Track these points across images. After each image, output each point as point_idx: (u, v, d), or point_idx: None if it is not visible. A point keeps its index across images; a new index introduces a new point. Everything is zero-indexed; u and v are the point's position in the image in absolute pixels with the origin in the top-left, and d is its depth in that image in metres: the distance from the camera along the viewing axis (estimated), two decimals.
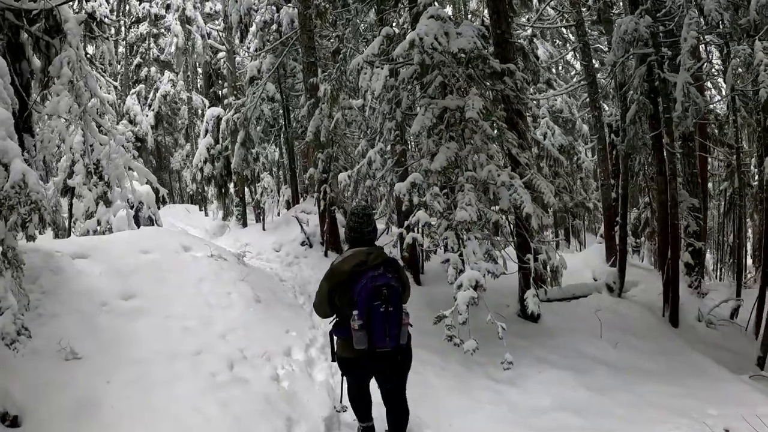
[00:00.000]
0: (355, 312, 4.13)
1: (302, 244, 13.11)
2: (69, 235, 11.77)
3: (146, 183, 13.03)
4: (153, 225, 12.26)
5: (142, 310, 6.83)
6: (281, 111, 16.39)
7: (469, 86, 7.39)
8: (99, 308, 6.67)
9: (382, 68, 6.87)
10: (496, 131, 7.54)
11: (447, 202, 6.93)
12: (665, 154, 11.88)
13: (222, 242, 15.66)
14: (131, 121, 33.21)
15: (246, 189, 17.91)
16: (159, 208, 32.27)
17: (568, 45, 22.03)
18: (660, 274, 17.49)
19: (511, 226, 8.22)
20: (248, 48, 16.86)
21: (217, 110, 18.31)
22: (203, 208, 24.25)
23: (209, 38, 26.02)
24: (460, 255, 6.71)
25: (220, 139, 16.89)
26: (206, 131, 18.21)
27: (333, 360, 4.68)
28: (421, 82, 7.63)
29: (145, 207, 12.29)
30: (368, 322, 4.09)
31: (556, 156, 8.51)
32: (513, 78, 8.13)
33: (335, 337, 4.56)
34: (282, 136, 16.94)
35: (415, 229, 6.88)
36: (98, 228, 11.09)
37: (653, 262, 18.58)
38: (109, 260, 7.75)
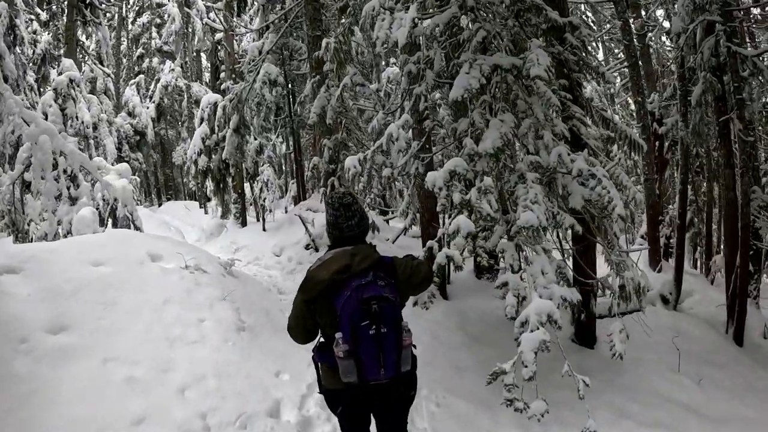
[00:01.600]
0: (338, 335, 3.15)
1: (307, 247, 11.17)
2: (30, 240, 9.89)
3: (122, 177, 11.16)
4: (130, 226, 10.35)
5: (74, 350, 5.00)
6: (286, 97, 14.51)
7: (522, 41, 5.40)
8: (16, 347, 4.84)
9: (406, 11, 4.88)
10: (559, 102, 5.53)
11: (499, 201, 4.94)
12: (735, 143, 10.14)
13: (217, 244, 13.77)
14: (130, 114, 31.51)
15: (247, 184, 15.96)
16: (159, 205, 31.05)
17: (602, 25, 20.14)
18: (706, 278, 15.71)
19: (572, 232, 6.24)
20: (247, 26, 14.91)
21: (214, 96, 16.36)
22: (203, 206, 22.30)
23: (209, 19, 24.01)
24: (521, 275, 4.75)
25: (217, 129, 14.96)
26: (202, 120, 16.25)
27: (319, 391, 3.58)
28: (457, 38, 5.65)
29: (120, 205, 10.35)
30: (356, 347, 3.11)
31: (634, 139, 6.43)
32: (578, 35, 6.12)
33: (319, 363, 3.50)
34: (287, 125, 15.05)
35: (452, 240, 4.87)
36: (59, 230, 9.18)
37: (692, 264, 16.82)
38: (48, 276, 5.93)
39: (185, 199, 32.00)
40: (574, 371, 4.85)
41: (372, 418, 3.63)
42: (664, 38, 19.66)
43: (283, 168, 22.81)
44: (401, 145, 4.96)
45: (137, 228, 10.49)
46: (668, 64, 21.17)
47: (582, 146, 5.97)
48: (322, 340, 3.45)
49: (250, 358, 5.66)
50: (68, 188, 9.50)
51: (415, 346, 3.42)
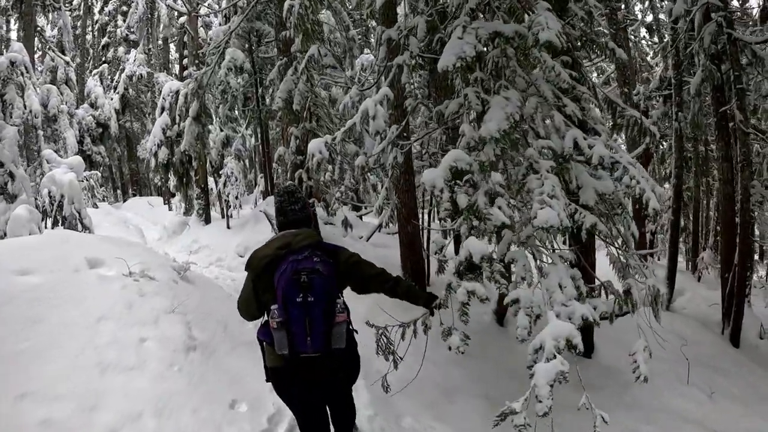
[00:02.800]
0: (274, 306, 3.34)
1: None
2: None
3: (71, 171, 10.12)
4: (77, 226, 9.33)
5: None
6: (253, 85, 13.51)
7: (518, 11, 4.53)
8: None
9: None
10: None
11: (512, 200, 4.08)
12: (734, 135, 9.61)
13: (178, 243, 12.76)
14: (93, 105, 30.14)
15: (211, 178, 14.93)
16: (124, 201, 29.75)
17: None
18: (693, 275, 15.16)
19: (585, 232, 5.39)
20: (212, 7, 13.87)
21: (176, 84, 15.22)
22: (167, 202, 21.15)
23: (173, 1, 22.79)
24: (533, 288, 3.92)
25: (179, 118, 13.89)
26: (163, 109, 15.11)
27: (266, 379, 3.74)
28: (444, 5, 4.78)
29: (67, 202, 9.33)
30: (287, 317, 3.29)
31: (646, 125, 5.61)
32: (583, 5, 5.30)
33: (264, 342, 3.60)
34: (255, 115, 14.07)
35: (462, 268, 3.96)
36: None
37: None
38: None
39: (152, 195, 30.71)
40: (572, 385, 4.15)
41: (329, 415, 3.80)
42: (643, 32, 19.26)
43: (254, 161, 21.80)
44: (379, 125, 4.06)
45: (86, 228, 9.47)
46: (646, 57, 20.81)
47: (588, 132, 5.15)
48: (265, 318, 3.48)
49: (200, 386, 4.73)
50: (5, 184, 8.47)
51: (356, 331, 3.64)
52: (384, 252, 10.63)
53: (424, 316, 4.13)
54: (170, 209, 19.28)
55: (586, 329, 7.47)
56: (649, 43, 20.52)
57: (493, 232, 3.90)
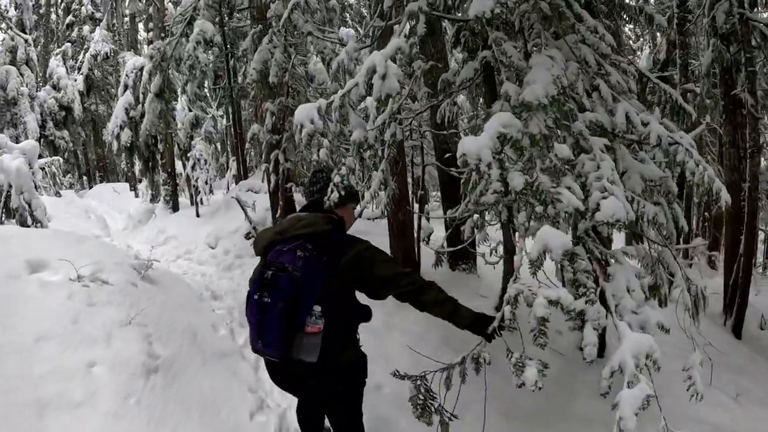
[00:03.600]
0: None
1: (247, 236, 9.30)
2: None
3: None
4: (27, 219, 8.30)
5: None
6: (224, 61, 12.47)
7: None
8: None
9: None
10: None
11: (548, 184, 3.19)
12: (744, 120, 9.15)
13: (143, 234, 11.72)
14: (55, 87, 28.62)
15: (180, 162, 13.87)
16: (90, 187, 28.36)
17: None
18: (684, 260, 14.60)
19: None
20: None
21: (140, 60, 14.02)
22: (133, 188, 19.97)
23: None
24: (584, 289, 3.09)
25: (142, 97, 12.78)
26: (126, 87, 13.97)
27: None
28: None
29: (15, 191, 8.29)
30: (247, 313, 3.04)
31: (681, 104, 4.75)
32: None
33: None
34: (226, 93, 13.06)
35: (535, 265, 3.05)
36: None
37: None
38: None
39: (122, 181, 29.36)
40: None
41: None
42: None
43: (226, 144, 20.74)
44: (391, 87, 3.12)
45: (37, 221, 8.44)
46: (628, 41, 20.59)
47: None
48: None
49: (165, 423, 3.84)
50: None
51: (324, 337, 2.94)
52: (368, 240, 9.77)
53: (480, 347, 3.18)
54: (137, 196, 18.16)
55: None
56: (630, 27, 20.17)
57: (564, 220, 3.05)
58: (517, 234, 3.08)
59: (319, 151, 3.74)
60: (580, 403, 5.92)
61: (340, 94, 3.51)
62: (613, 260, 3.42)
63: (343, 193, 3.25)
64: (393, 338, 6.28)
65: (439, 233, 9.35)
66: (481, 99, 6.48)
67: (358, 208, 7.89)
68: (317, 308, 2.92)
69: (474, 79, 4.13)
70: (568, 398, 5.96)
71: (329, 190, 3.26)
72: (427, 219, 7.77)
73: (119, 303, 4.98)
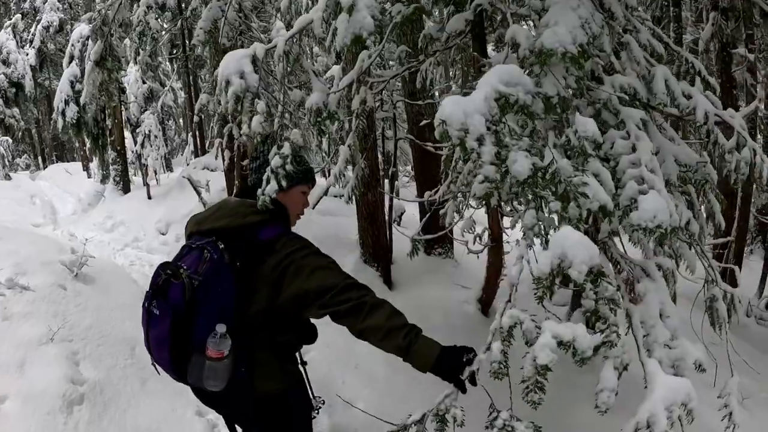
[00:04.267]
0: None
1: None
2: None
3: None
4: None
5: None
6: (179, 28, 11.42)
7: None
8: None
9: None
10: None
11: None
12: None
13: (91, 219, 10.69)
14: (5, 62, 26.99)
15: (133, 139, 12.82)
16: (45, 168, 26.93)
17: None
18: None
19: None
20: None
21: (88, 29, 12.90)
22: (86, 168, 18.75)
23: None
24: (606, 325, 2.25)
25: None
26: (71, 58, 12.81)
27: None
28: None
29: None
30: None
31: (705, 75, 3.91)
32: None
33: None
34: (181, 63, 12.03)
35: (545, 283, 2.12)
36: None
37: None
38: None
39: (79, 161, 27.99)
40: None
41: None
42: None
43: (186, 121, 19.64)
44: (364, 25, 2.22)
45: None
46: None
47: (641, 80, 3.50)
48: None
49: None
50: None
51: (249, 369, 2.23)
52: (333, 222, 8.91)
53: (449, 399, 2.22)
54: (89, 177, 17.00)
55: None
56: None
57: (584, 220, 2.18)
58: (522, 244, 2.16)
59: (251, 120, 2.76)
60: (577, 409, 5.20)
61: (286, 36, 2.63)
62: (643, 275, 2.60)
63: (284, 183, 2.44)
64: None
65: (410, 212, 8.55)
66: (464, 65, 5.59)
67: (323, 185, 6.81)
68: (221, 328, 2.16)
69: (465, 33, 3.28)
70: (563, 406, 5.24)
71: (264, 177, 2.48)
72: (390, 200, 6.92)
73: (40, 314, 4.15)
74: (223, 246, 2.26)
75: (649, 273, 2.55)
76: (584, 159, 2.17)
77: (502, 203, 4.74)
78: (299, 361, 2.55)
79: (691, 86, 2.96)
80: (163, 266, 2.27)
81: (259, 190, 2.39)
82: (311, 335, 2.50)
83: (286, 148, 2.42)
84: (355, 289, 2.23)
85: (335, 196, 11.67)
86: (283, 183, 2.45)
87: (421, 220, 8.11)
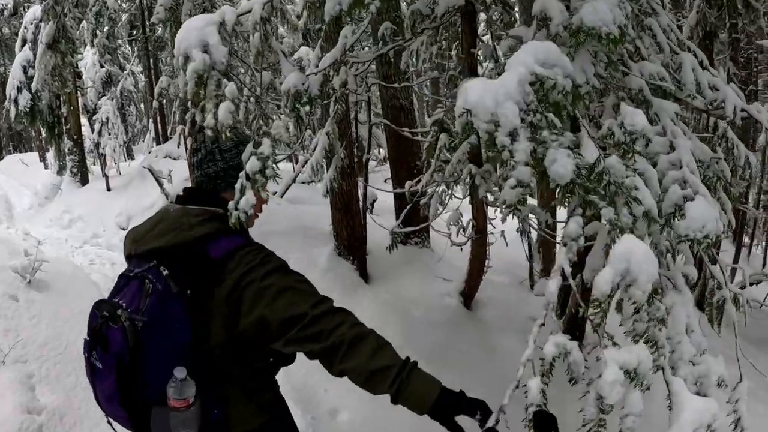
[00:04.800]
0: None
1: None
2: None
3: None
4: None
5: None
6: (138, 7, 10.86)
7: None
8: None
9: None
10: None
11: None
12: None
13: (47, 215, 10.12)
14: None
15: (90, 126, 12.21)
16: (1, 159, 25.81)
17: None
18: None
19: None
20: None
21: (40, 9, 12.19)
22: (43, 158, 17.94)
23: None
24: (654, 348, 1.90)
25: None
26: (24, 41, 12.09)
27: None
28: None
29: None
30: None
31: (707, 66, 3.63)
32: None
33: None
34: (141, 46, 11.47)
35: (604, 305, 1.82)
36: None
37: None
38: None
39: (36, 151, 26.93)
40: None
41: None
42: None
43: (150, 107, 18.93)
44: None
45: None
46: None
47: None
48: None
49: None
50: None
51: (222, 412, 1.83)
52: (303, 210, 8.52)
53: None
54: (46, 168, 16.26)
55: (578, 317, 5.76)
56: None
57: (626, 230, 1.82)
58: (561, 256, 1.77)
59: (217, 107, 2.22)
60: (571, 410, 4.92)
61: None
62: (669, 286, 2.28)
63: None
64: None
65: (382, 198, 8.19)
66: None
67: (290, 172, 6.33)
68: (180, 373, 1.74)
69: (463, 8, 2.91)
70: (558, 407, 4.96)
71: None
72: (365, 189, 6.56)
73: None
74: (167, 272, 1.81)
75: (676, 284, 2.23)
76: (632, 157, 1.83)
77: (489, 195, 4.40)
78: (278, 385, 2.14)
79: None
80: (99, 306, 1.84)
81: (231, 204, 1.94)
82: (289, 355, 2.04)
83: (266, 147, 2.00)
84: (329, 316, 1.78)
85: (304, 183, 11.26)
86: (234, 177, 2.03)
87: (396, 208, 7.76)
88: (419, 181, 4.60)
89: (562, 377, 4.50)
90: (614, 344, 1.64)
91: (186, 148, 7.58)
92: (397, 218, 7.57)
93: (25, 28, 12.46)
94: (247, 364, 1.92)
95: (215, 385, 1.83)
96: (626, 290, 1.61)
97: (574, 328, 6.06)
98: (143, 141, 14.40)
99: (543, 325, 1.73)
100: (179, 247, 1.84)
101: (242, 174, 1.95)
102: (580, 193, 1.65)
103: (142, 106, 24.15)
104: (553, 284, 1.73)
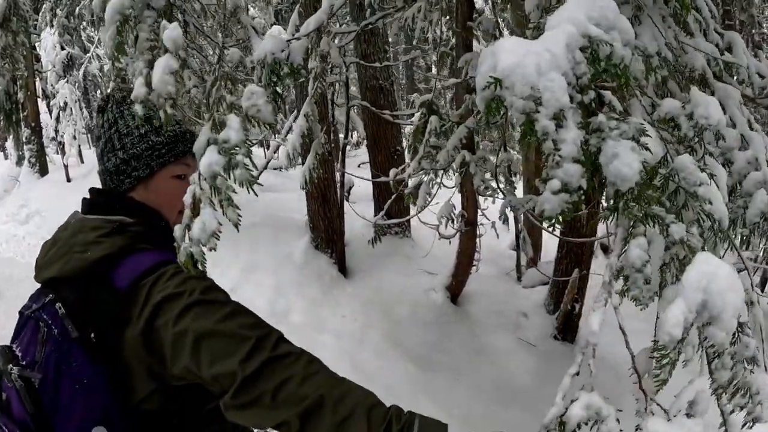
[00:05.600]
0: None
1: None
2: None
3: None
4: None
5: None
6: None
7: None
8: None
9: None
10: None
11: None
12: None
13: (5, 209, 9.51)
14: None
15: (49, 112, 11.55)
16: None
17: None
18: None
19: None
20: None
21: None
22: (2, 148, 17.14)
23: None
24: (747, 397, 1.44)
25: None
26: None
27: None
28: None
29: None
30: None
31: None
32: None
33: None
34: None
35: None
36: None
37: None
38: None
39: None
40: None
41: None
42: None
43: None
44: None
45: None
46: None
47: None
48: None
49: None
50: None
51: None
52: (274, 198, 8.04)
53: None
54: (5, 158, 15.51)
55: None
56: None
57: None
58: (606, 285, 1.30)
59: (151, 64, 1.56)
60: None
61: None
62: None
63: (141, 168, 1.54)
64: (324, 342, 4.76)
65: (357, 184, 7.75)
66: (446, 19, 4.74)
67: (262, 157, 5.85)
68: None
69: None
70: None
71: (108, 165, 1.55)
72: (342, 176, 6.15)
73: None
74: (63, 311, 1.33)
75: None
76: (702, 158, 1.41)
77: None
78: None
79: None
80: (7, 357, 1.37)
81: (177, 230, 1.34)
82: None
83: (233, 131, 1.39)
84: (270, 369, 1.23)
85: (275, 169, 10.72)
86: (140, 169, 1.52)
87: (375, 195, 7.31)
88: (404, 168, 4.16)
89: (544, 379, 4.07)
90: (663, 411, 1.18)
91: None
92: (376, 206, 7.15)
93: None
94: (193, 423, 1.44)
95: None
96: (704, 330, 1.16)
97: (568, 327, 5.74)
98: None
99: (577, 374, 1.26)
100: (74, 277, 1.37)
101: (195, 178, 1.33)
102: (643, 203, 1.21)
103: (108, 91, 23.38)
104: (595, 321, 1.26)
